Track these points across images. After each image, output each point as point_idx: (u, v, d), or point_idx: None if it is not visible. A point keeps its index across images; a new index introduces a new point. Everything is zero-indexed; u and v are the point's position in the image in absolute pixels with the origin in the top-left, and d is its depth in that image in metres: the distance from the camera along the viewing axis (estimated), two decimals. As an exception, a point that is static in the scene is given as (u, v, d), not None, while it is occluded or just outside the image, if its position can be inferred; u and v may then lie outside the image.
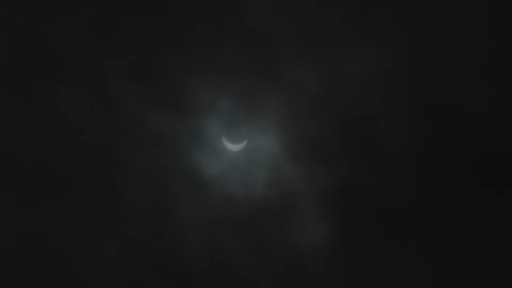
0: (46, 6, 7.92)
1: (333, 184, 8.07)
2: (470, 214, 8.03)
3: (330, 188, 8.07)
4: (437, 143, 8.10)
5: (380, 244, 8.01)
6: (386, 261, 7.99)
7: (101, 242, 7.80)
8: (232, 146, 8.27)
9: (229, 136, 8.23)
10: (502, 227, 7.98)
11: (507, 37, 8.13)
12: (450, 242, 8.01)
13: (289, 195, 8.08)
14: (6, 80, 7.87)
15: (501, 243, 7.96)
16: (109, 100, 7.99)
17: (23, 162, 7.80)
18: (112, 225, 7.85)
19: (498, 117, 8.09)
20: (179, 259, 7.88)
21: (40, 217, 7.75)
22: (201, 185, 8.02)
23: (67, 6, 7.97)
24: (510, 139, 8.08)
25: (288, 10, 8.20)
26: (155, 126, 8.06)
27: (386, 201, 8.03)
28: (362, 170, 8.05)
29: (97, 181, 7.88)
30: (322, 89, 8.19)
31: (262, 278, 7.90)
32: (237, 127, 8.21)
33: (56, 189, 7.82)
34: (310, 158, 8.12)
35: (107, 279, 7.75)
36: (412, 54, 8.16)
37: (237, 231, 8.01)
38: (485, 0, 8.12)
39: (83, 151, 7.89)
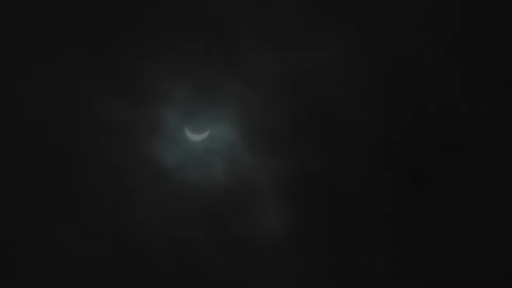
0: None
1: (294, 173, 8.20)
2: (437, 203, 8.15)
3: (291, 176, 8.20)
4: (400, 132, 8.21)
5: (343, 232, 8.10)
6: (349, 248, 8.10)
7: (58, 235, 7.83)
8: (194, 136, 8.34)
9: (191, 126, 8.29)
10: (470, 218, 8.11)
11: (473, 23, 8.22)
12: (416, 230, 8.13)
13: (250, 184, 8.21)
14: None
15: (469, 234, 8.09)
16: (63, 91, 8.02)
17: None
18: (69, 218, 7.89)
19: (465, 108, 8.19)
20: (139, 250, 7.94)
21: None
22: (160, 176, 8.11)
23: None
24: (476, 129, 8.19)
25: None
26: (113, 117, 8.09)
27: (347, 188, 8.13)
28: (322, 158, 8.15)
29: (53, 174, 7.91)
30: (282, 77, 8.25)
31: (224, 267, 7.98)
32: (198, 117, 8.28)
33: (11, 182, 7.85)
34: (271, 147, 8.25)
35: (65, 273, 7.80)
36: (375, 41, 8.22)
37: (198, 221, 8.10)
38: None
39: (38, 143, 7.92)
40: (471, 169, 8.11)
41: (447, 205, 8.07)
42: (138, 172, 8.05)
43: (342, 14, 8.23)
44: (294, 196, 8.11)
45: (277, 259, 8.01)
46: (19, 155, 7.86)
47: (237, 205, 8.11)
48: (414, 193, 8.13)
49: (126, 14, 8.04)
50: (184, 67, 8.20)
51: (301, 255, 8.03)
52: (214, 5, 8.10)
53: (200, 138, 8.32)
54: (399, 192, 8.12)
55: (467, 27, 8.18)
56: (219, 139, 8.26)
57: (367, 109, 8.23)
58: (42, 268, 7.78)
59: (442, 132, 8.18)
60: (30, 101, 7.92)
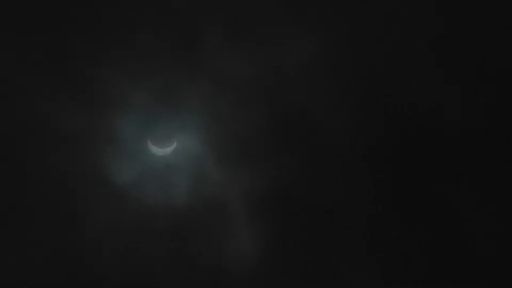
0: None
1: (269, 187, 7.28)
2: (415, 211, 7.39)
3: (265, 191, 7.27)
4: (381, 137, 7.45)
5: (320, 249, 7.27)
6: (327, 268, 7.24)
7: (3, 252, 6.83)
8: (159, 150, 7.35)
9: (154, 137, 7.31)
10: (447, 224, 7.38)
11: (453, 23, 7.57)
12: (395, 240, 7.33)
13: (219, 202, 7.25)
14: None
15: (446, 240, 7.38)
16: (10, 95, 7.01)
17: None
18: (15, 236, 6.86)
19: (447, 111, 7.47)
20: (90, 274, 6.94)
21: None
22: (118, 193, 7.11)
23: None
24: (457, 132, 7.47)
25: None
26: (62, 125, 7.11)
27: (325, 201, 7.29)
28: (298, 169, 7.31)
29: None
30: (254, 79, 7.41)
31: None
32: (162, 128, 7.30)
33: None
34: (243, 159, 7.34)
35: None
36: (355, 40, 7.50)
37: (158, 244, 7.11)
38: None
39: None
40: (455, 174, 7.42)
41: (432, 216, 7.37)
42: (90, 188, 7.05)
43: (322, 10, 7.47)
44: (268, 214, 7.20)
45: (250, 285, 7.10)
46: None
47: (204, 226, 7.17)
48: (399, 206, 7.38)
49: (78, 6, 7.05)
50: (145, 68, 7.26)
51: (277, 279, 7.14)
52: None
53: (165, 152, 7.33)
54: (383, 206, 7.35)
55: (452, 27, 7.54)
56: (186, 150, 7.30)
57: (349, 113, 7.44)
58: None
59: (428, 136, 7.47)
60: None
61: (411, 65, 7.48)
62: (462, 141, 7.40)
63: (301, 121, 7.41)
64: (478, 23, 7.52)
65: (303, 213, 7.21)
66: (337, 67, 7.49)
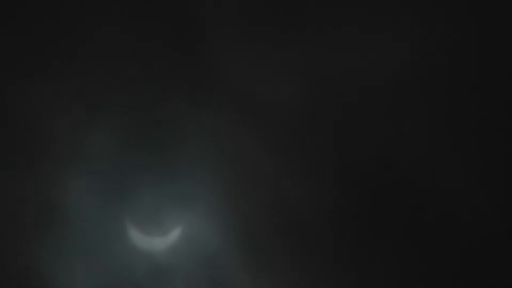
0: None
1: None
2: None
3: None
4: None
5: None
6: None
7: None
8: (146, 241, 4.32)
9: (139, 219, 4.29)
10: None
11: None
12: None
13: None
14: None
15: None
16: None
17: None
18: None
19: None
20: None
21: None
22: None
23: None
24: None
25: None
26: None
27: None
28: (396, 280, 4.13)
29: None
30: (302, 105, 4.50)
31: None
32: (151, 201, 4.30)
33: None
34: (289, 258, 4.24)
35: None
36: (479, 37, 4.49)
37: None
38: None
39: None
40: None
41: None
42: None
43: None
44: None
45: None
46: None
47: None
48: None
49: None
50: (120, 92, 4.32)
51: None
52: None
53: (157, 244, 4.28)
54: None
55: None
56: (192, 242, 4.23)
57: (484, 172, 4.37)
58: None
59: None
60: None
61: None
62: None
63: (395, 183, 4.31)
64: None
65: None
66: (456, 81, 4.48)
